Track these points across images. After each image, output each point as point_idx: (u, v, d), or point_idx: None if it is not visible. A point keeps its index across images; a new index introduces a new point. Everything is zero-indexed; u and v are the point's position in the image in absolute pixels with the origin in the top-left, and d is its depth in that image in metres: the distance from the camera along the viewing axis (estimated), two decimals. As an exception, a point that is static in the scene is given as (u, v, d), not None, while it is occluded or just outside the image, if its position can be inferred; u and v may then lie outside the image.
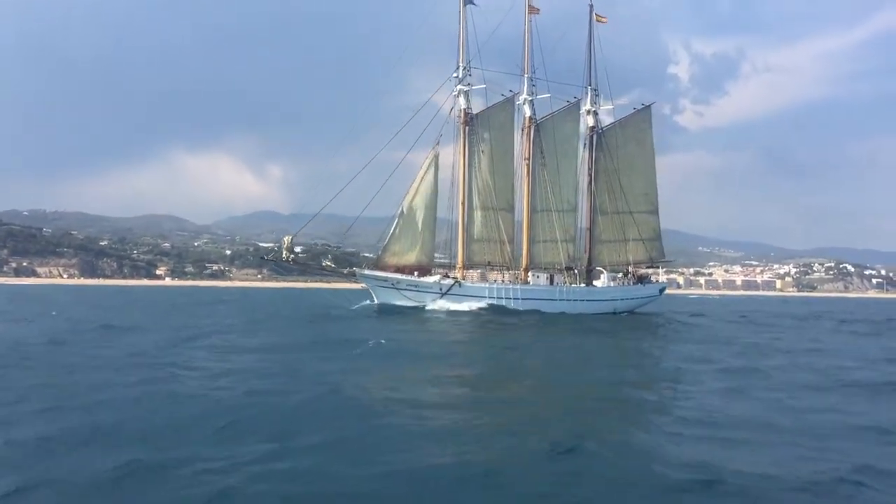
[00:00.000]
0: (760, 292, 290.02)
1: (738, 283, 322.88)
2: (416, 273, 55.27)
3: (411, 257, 55.10)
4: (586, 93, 64.56)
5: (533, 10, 61.08)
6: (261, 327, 37.10)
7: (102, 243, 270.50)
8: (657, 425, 13.72)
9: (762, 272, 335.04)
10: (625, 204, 64.46)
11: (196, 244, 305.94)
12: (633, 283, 65.16)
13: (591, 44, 64.30)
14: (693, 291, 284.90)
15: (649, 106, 66.62)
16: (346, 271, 57.47)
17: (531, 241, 61.57)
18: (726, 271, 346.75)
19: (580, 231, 64.45)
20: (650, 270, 68.01)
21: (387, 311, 51.37)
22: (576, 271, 61.93)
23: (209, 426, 12.49)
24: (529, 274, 61.09)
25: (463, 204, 57.99)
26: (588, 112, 64.77)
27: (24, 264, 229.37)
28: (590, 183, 64.41)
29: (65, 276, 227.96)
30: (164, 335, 30.41)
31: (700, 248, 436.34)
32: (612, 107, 65.43)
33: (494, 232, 58.13)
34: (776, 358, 26.16)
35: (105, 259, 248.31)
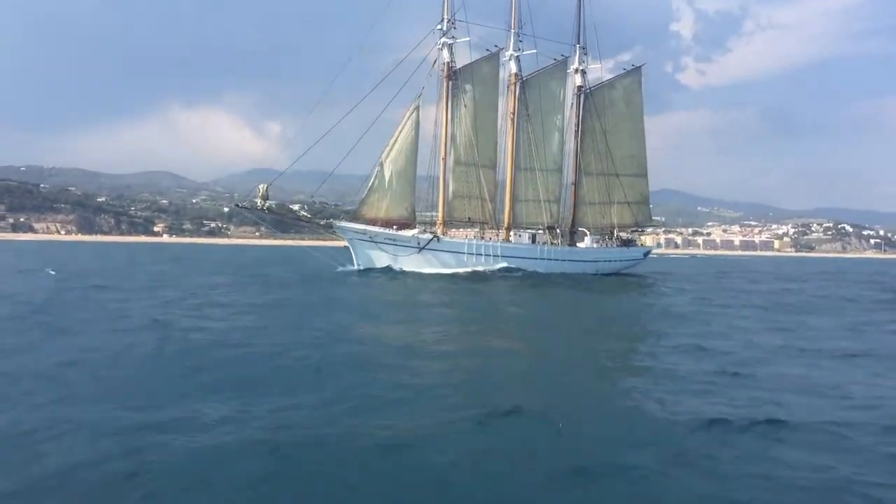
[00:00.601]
0: (758, 252, 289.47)
1: (737, 243, 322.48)
2: (395, 227, 55.03)
3: (391, 210, 54.61)
4: (575, 51, 63.57)
5: (524, -38, 59.82)
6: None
7: (100, 199, 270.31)
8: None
9: (760, 232, 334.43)
10: (611, 166, 63.91)
11: (194, 201, 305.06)
12: (618, 246, 64.96)
13: (580, 1, 63.08)
14: (690, 251, 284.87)
15: (639, 67, 65.62)
16: (322, 222, 57.11)
17: (514, 200, 61.18)
18: (724, 231, 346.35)
19: (565, 191, 64.07)
20: (635, 233, 67.68)
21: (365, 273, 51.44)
22: (558, 231, 61.73)
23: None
24: (511, 232, 60.96)
25: (444, 159, 57.45)
26: (576, 71, 63.83)
27: (22, 220, 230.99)
28: (576, 143, 63.81)
29: (62, 232, 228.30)
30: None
31: (699, 207, 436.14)
32: (600, 66, 64.52)
33: (475, 188, 57.67)
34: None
35: (103, 215, 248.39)
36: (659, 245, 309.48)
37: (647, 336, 22.74)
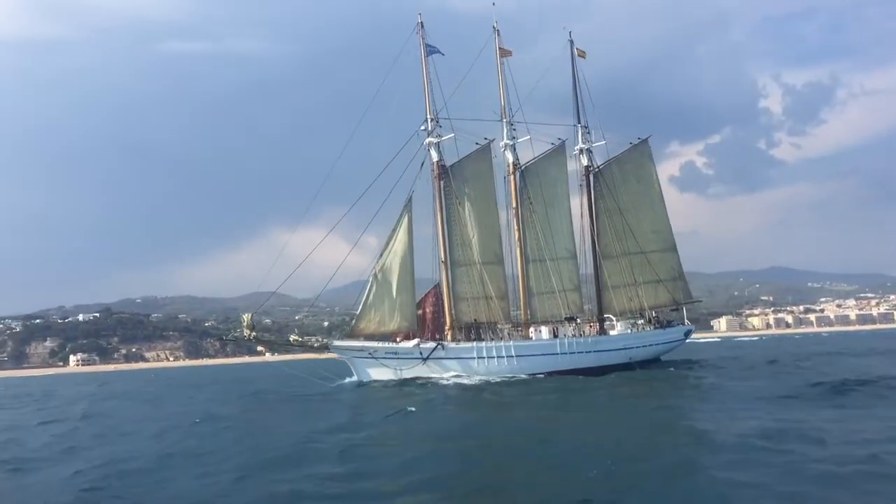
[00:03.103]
0: (877, 326, 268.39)
1: (853, 317, 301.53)
2: (398, 340, 51.96)
3: (390, 322, 51.72)
4: (577, 131, 60.84)
5: (505, 52, 58.30)
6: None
7: (207, 324, 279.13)
8: None
9: (878, 304, 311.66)
10: (634, 244, 59.72)
11: (297, 317, 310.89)
12: (654, 328, 59.70)
13: (575, 80, 60.92)
14: (802, 330, 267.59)
15: (646, 139, 62.18)
16: (316, 344, 54.60)
17: (528, 294, 57.33)
18: (838, 306, 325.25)
19: (585, 278, 59.94)
20: (675, 312, 62.30)
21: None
22: (578, 321, 57.22)
23: None
24: (531, 329, 56.80)
25: (444, 262, 54.56)
26: (581, 152, 60.92)
27: (133, 350, 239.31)
28: (591, 226, 60.08)
29: (171, 358, 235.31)
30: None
31: (810, 283, 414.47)
32: (604, 143, 61.36)
33: (479, 288, 54.26)
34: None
35: (208, 339, 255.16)
36: (768, 326, 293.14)
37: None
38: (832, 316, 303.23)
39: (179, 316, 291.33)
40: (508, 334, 54.90)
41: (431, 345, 51.09)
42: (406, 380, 49.47)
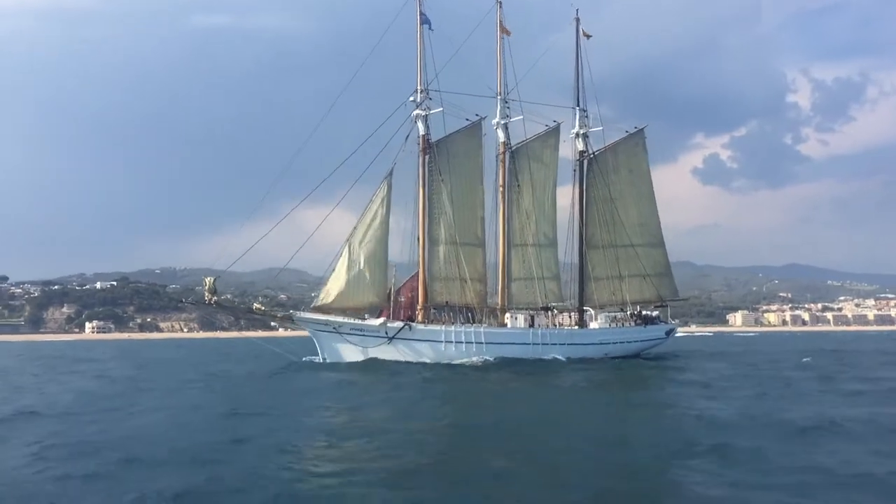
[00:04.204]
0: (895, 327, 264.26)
1: (871, 317, 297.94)
2: (366, 316, 50.58)
3: (359, 296, 50.19)
4: (574, 114, 58.56)
5: (505, 30, 56.04)
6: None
7: (223, 297, 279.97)
8: None
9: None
10: (623, 236, 57.77)
11: (312, 294, 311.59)
12: (636, 325, 57.93)
13: (578, 61, 58.47)
14: (818, 328, 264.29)
15: (642, 129, 59.78)
16: (280, 315, 53.24)
17: (508, 279, 55.68)
18: (857, 306, 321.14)
19: (567, 267, 58.14)
20: (660, 309, 60.41)
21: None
22: (553, 311, 55.56)
23: None
24: (507, 316, 55.23)
25: (421, 239, 52.90)
26: (577, 136, 58.68)
27: (148, 320, 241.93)
28: (580, 214, 58.10)
29: (185, 329, 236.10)
30: None
31: (830, 281, 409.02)
32: (601, 129, 59.04)
33: (454, 269, 52.63)
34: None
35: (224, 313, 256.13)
36: (784, 322, 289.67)
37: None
38: (850, 315, 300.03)
39: (196, 288, 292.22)
40: (482, 319, 53.38)
41: (399, 324, 49.68)
42: (370, 360, 48.21)
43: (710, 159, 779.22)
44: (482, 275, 54.52)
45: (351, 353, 48.99)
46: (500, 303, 55.44)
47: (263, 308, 50.58)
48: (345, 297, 49.88)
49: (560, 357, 51.45)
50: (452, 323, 51.86)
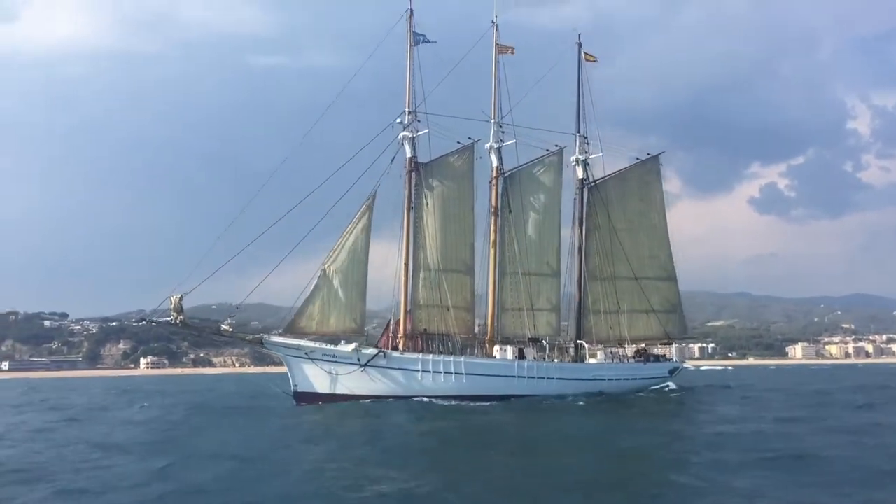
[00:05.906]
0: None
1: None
2: (343, 342, 48.44)
3: (334, 322, 48.18)
4: (575, 140, 55.88)
5: (503, 49, 54.08)
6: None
7: (276, 332, 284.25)
8: None
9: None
10: (628, 268, 54.32)
11: (365, 329, 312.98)
12: (636, 362, 54.09)
13: (580, 86, 56.08)
14: (883, 360, 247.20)
15: (657, 156, 56.57)
16: (249, 338, 51.46)
17: (499, 309, 52.78)
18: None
19: (567, 298, 54.87)
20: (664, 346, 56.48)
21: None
22: (545, 344, 52.18)
23: None
24: (496, 348, 52.12)
25: (405, 264, 50.73)
26: (577, 162, 55.90)
27: (202, 355, 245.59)
28: (580, 243, 54.99)
29: (237, 364, 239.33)
30: None
31: (895, 312, 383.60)
32: (601, 155, 56.03)
33: (438, 296, 50.12)
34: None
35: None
36: (847, 355, 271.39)
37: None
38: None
39: (252, 323, 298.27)
40: (465, 349, 50.52)
41: (372, 351, 47.35)
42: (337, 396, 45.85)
43: (766, 188, 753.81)
44: (470, 304, 51.88)
45: (321, 380, 46.74)
46: (489, 333, 52.51)
47: (231, 330, 48.74)
48: (318, 323, 48.03)
49: (549, 393, 48.13)
50: (440, 353, 49.22)
